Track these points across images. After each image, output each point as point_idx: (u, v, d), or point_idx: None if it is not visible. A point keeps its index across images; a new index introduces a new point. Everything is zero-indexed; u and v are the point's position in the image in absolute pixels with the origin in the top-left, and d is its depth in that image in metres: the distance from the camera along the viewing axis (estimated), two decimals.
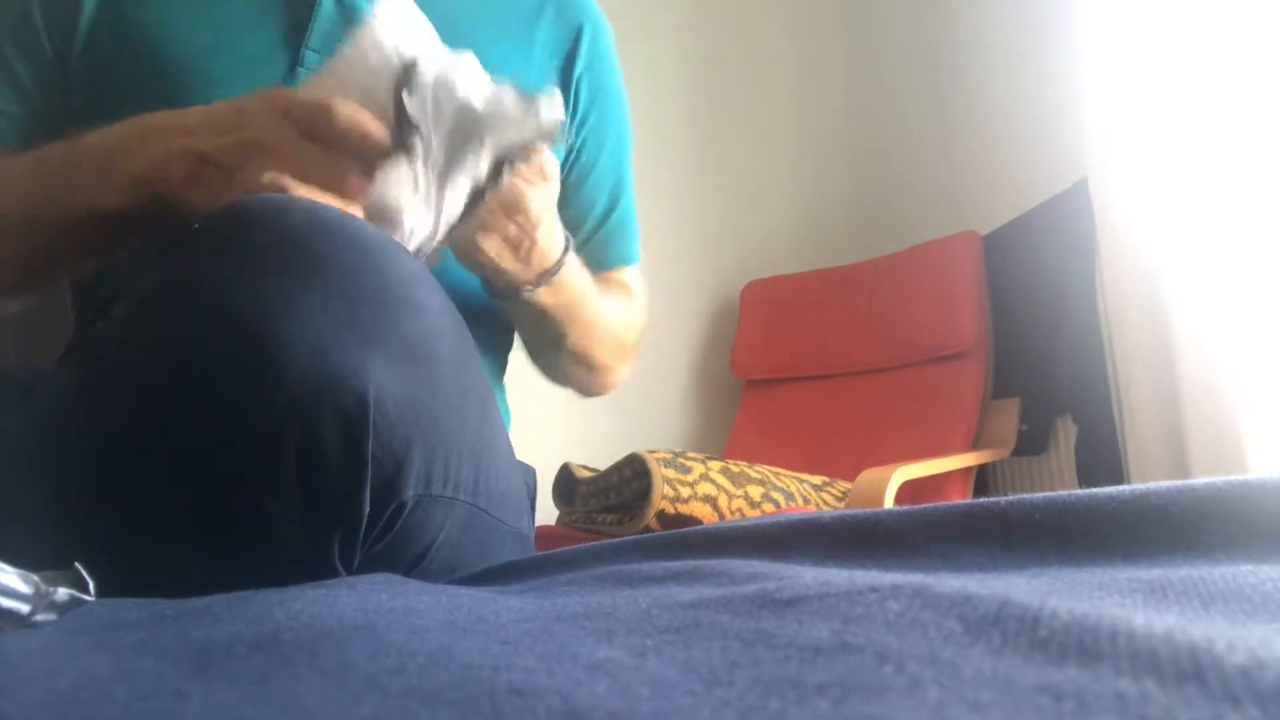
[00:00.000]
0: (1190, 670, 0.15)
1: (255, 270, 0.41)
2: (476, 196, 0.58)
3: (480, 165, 0.57)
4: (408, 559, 0.48)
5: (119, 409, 0.43)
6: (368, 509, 0.43)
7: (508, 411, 0.90)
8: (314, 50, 0.72)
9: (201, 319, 0.41)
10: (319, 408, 0.40)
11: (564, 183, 0.84)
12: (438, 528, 0.48)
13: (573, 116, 0.88)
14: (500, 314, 0.80)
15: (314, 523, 0.42)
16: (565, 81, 0.87)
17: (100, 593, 0.31)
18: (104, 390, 0.44)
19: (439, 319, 0.47)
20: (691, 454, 1.59)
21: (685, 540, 0.42)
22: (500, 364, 0.90)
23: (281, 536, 0.42)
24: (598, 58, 0.89)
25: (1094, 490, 0.35)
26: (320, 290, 0.41)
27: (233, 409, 0.40)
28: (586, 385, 0.93)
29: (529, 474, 0.84)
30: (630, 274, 0.97)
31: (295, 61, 0.71)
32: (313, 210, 0.44)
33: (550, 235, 0.68)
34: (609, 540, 0.45)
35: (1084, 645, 0.18)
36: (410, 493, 0.44)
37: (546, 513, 1.82)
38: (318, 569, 0.42)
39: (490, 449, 0.54)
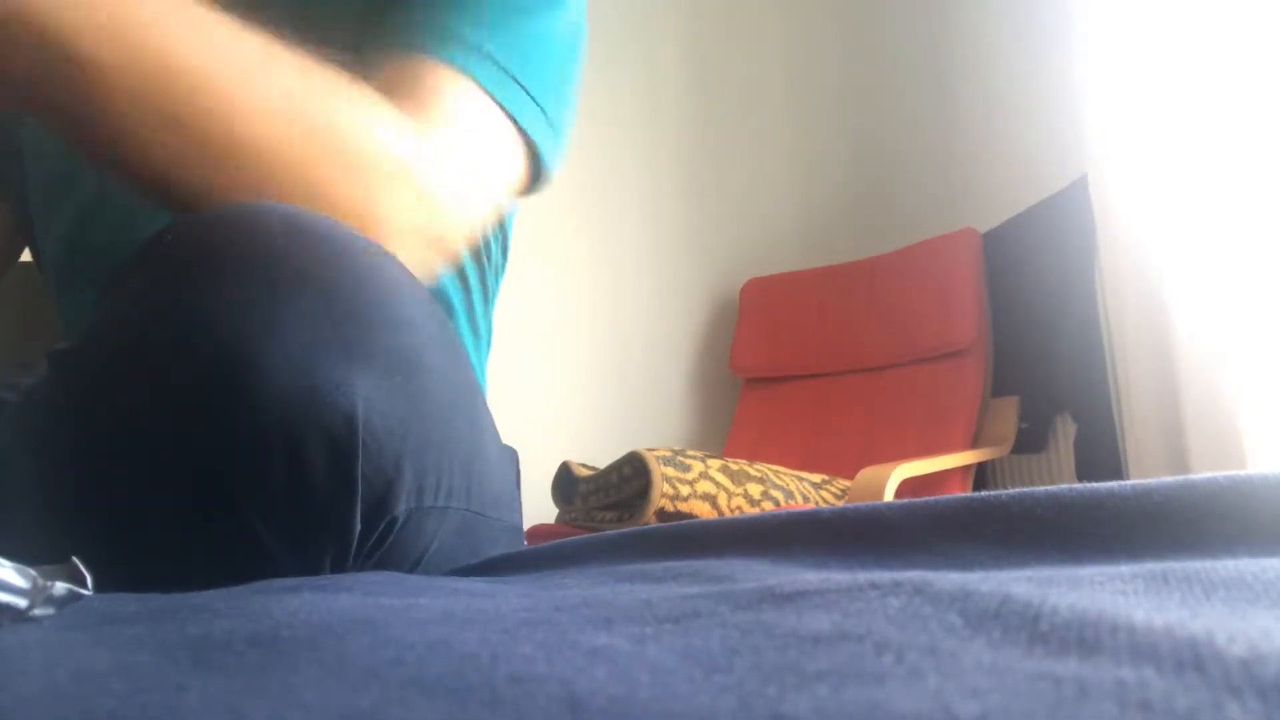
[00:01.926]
0: (1190, 660, 0.15)
1: (234, 285, 0.40)
2: None
3: None
4: (402, 568, 0.48)
5: (100, 434, 0.42)
6: (359, 528, 0.42)
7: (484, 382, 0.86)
8: None
9: (180, 339, 0.40)
10: (305, 429, 0.39)
11: None
12: (430, 537, 0.48)
13: None
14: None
15: (304, 545, 0.41)
16: None
17: (98, 591, 0.31)
18: (83, 414, 0.43)
19: (426, 326, 0.46)
20: (691, 452, 1.60)
21: (684, 534, 0.42)
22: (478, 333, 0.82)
23: (271, 558, 0.41)
24: None
25: (1095, 485, 0.35)
26: (302, 305, 0.40)
27: (216, 432, 0.39)
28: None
29: (514, 458, 0.82)
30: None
31: None
32: (293, 217, 0.43)
33: None
34: (608, 532, 0.45)
35: (1084, 639, 0.18)
36: (402, 507, 0.44)
37: (547, 511, 1.82)
38: None
39: (481, 451, 0.53)
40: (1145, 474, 1.48)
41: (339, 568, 0.43)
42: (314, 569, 0.42)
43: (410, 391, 0.43)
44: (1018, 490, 0.36)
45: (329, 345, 0.40)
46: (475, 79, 0.54)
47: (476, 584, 0.37)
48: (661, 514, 1.50)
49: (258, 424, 0.39)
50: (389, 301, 0.44)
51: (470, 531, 0.52)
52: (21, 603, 0.27)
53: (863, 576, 0.26)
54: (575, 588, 0.32)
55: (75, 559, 0.30)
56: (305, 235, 0.42)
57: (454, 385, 0.48)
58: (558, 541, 0.45)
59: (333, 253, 0.42)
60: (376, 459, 0.41)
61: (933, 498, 0.37)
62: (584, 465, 1.74)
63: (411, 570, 0.48)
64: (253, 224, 0.42)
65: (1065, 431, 1.81)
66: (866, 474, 1.51)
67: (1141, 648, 0.17)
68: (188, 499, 0.41)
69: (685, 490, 1.51)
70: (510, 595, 0.31)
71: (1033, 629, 0.19)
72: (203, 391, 0.39)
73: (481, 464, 0.53)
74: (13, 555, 0.27)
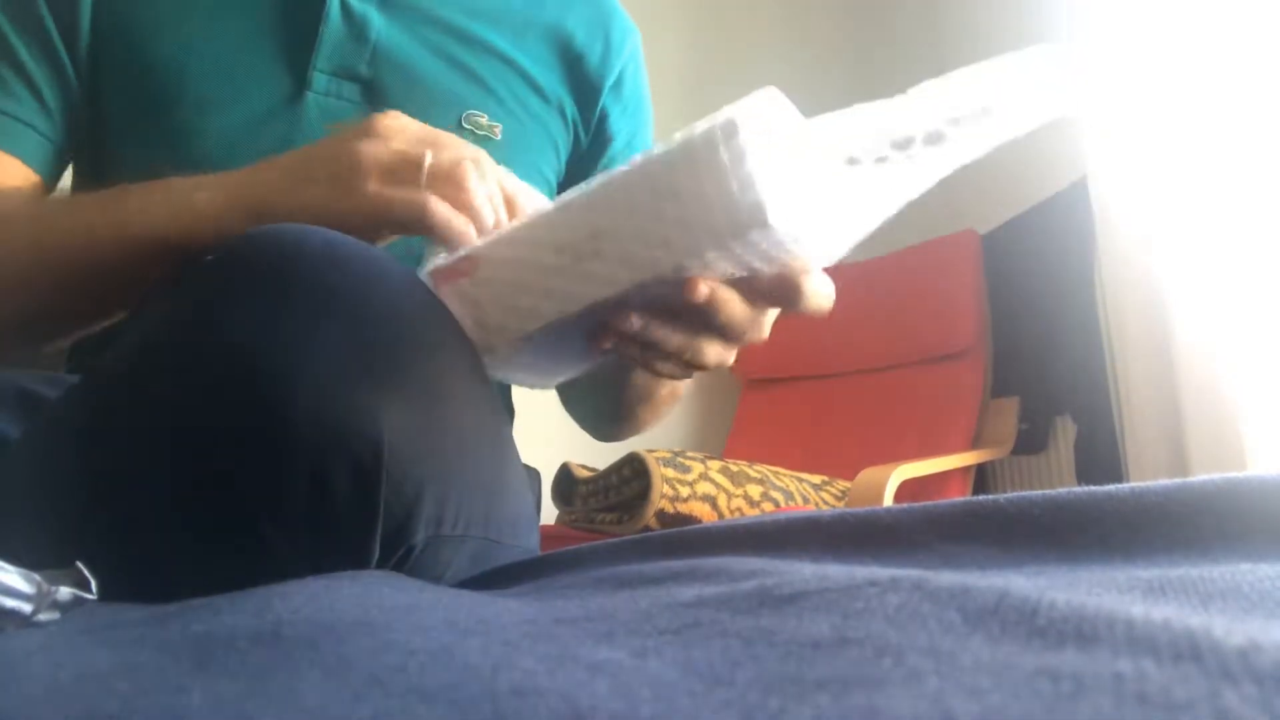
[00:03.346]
0: (1188, 651, 0.15)
1: (269, 308, 0.40)
2: None
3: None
4: None
5: (127, 451, 0.42)
6: (377, 554, 0.42)
7: (511, 410, 0.88)
8: (322, 72, 0.67)
9: (213, 360, 0.40)
10: (331, 455, 0.39)
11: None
12: (445, 565, 0.48)
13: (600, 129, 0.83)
14: None
15: (322, 568, 0.42)
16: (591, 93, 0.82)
17: (103, 599, 0.31)
18: (112, 430, 0.43)
19: (453, 354, 0.46)
20: (691, 453, 1.60)
21: (683, 539, 0.42)
22: None
23: (289, 577, 0.41)
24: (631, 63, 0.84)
25: (1093, 488, 0.35)
26: (335, 331, 0.40)
27: (244, 454, 0.40)
28: (639, 429, 0.86)
29: (535, 479, 0.82)
30: None
31: (301, 84, 0.67)
32: (331, 242, 0.43)
33: None
34: (607, 540, 0.45)
35: (1082, 632, 0.18)
36: (420, 535, 0.44)
37: (547, 512, 1.82)
38: None
39: (502, 479, 0.52)
40: (1145, 475, 1.48)
41: None
42: None
43: (436, 420, 0.43)
44: (1015, 494, 0.36)
45: (359, 372, 0.40)
46: None
47: (478, 593, 0.37)
48: (661, 515, 1.50)
49: (286, 447, 0.39)
50: (419, 328, 0.44)
51: (485, 559, 0.52)
52: (26, 608, 0.27)
53: (861, 574, 0.26)
54: (576, 598, 0.32)
55: (80, 564, 0.30)
56: (342, 261, 0.43)
57: (479, 412, 0.48)
58: (558, 550, 0.45)
59: (367, 279, 0.43)
60: (399, 487, 0.41)
61: (931, 502, 0.37)
62: (584, 466, 1.74)
63: None
64: (293, 248, 0.42)
65: (1065, 432, 1.81)
66: (866, 475, 1.51)
67: (1139, 639, 0.17)
68: (211, 517, 0.41)
69: (685, 491, 1.51)
70: (512, 605, 0.31)
71: (1031, 623, 0.19)
72: (233, 412, 0.39)
73: (501, 491, 0.52)
74: (17, 560, 0.28)
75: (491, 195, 0.52)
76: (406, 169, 0.51)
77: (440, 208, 0.50)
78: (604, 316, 0.48)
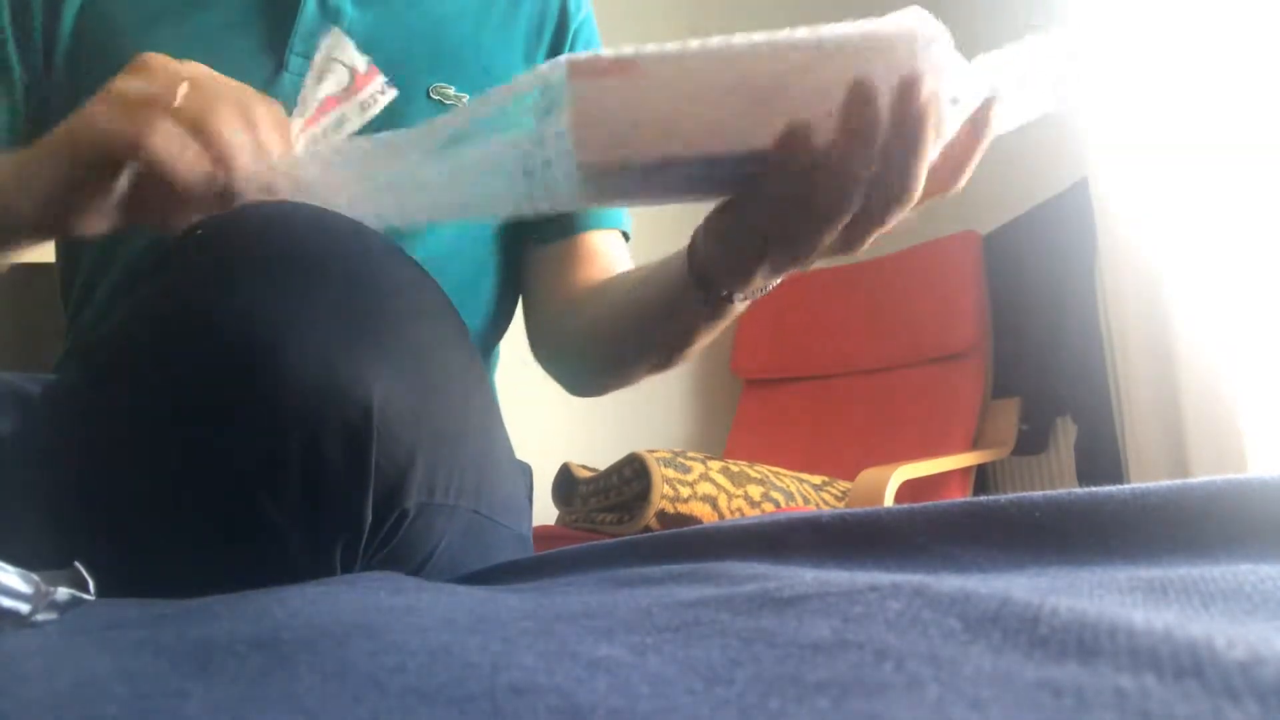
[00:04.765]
0: (1190, 666, 0.15)
1: (259, 280, 0.41)
2: None
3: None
4: (410, 565, 0.48)
5: (121, 420, 0.43)
6: (370, 518, 0.43)
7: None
8: (298, 54, 0.72)
9: (205, 331, 0.41)
10: (323, 419, 0.40)
11: None
12: (439, 535, 0.48)
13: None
14: (494, 299, 0.78)
15: (317, 532, 0.42)
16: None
17: (101, 597, 0.31)
18: (106, 402, 0.44)
19: (442, 324, 0.47)
20: (691, 454, 1.60)
21: (684, 540, 0.42)
22: (489, 349, 0.87)
23: (284, 545, 0.42)
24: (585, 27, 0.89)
25: (1094, 489, 0.35)
26: (324, 300, 0.41)
27: (237, 420, 0.40)
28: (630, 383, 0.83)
29: (526, 472, 0.83)
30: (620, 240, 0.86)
31: (279, 65, 0.71)
32: (318, 216, 0.44)
33: None
34: (608, 540, 0.45)
35: (1084, 642, 0.18)
36: (413, 501, 0.44)
37: (546, 513, 1.82)
38: (320, 576, 0.42)
39: (492, 453, 0.54)
40: (1146, 475, 1.48)
41: (350, 559, 0.44)
42: (325, 559, 0.43)
43: (425, 385, 0.44)
44: (1016, 494, 0.36)
45: (349, 337, 0.41)
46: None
47: (478, 591, 0.37)
48: (662, 516, 1.50)
49: (278, 412, 0.40)
50: (407, 298, 0.45)
51: (478, 535, 0.52)
52: (24, 608, 0.27)
53: (862, 579, 0.26)
54: (576, 596, 0.32)
55: (78, 564, 0.30)
56: (329, 233, 0.44)
57: (467, 383, 0.49)
58: (558, 549, 0.45)
59: (355, 250, 0.44)
60: (390, 450, 0.42)
61: (932, 502, 0.37)
62: (584, 467, 1.74)
63: (419, 569, 0.49)
64: (280, 222, 0.43)
65: (1065, 433, 1.81)
66: (867, 475, 1.51)
67: (1141, 652, 0.16)
68: (205, 485, 0.41)
69: (685, 492, 1.51)
70: (511, 603, 0.31)
71: (1032, 632, 0.19)
72: (226, 381, 0.40)
73: (492, 468, 0.53)
74: (16, 560, 0.27)
75: (263, 140, 0.48)
76: (145, 105, 0.46)
77: (163, 143, 0.45)
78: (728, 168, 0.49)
